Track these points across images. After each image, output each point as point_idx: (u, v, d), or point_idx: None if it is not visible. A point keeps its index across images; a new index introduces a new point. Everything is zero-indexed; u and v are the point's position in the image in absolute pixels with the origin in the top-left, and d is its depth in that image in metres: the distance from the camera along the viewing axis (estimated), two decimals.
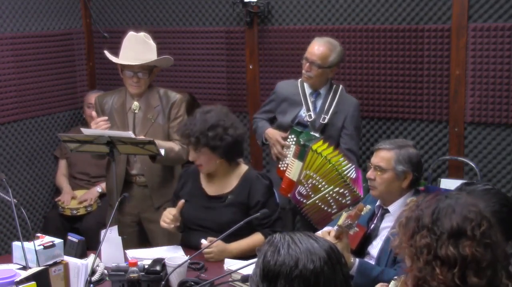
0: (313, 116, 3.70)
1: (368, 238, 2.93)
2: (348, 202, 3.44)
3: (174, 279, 2.60)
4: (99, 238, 2.85)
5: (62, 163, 4.72)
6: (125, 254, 2.92)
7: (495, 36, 3.79)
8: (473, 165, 3.88)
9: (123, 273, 2.57)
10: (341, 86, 3.79)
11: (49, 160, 4.78)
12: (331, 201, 3.48)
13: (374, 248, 2.87)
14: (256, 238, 3.03)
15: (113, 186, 3.45)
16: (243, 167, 3.18)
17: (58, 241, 2.60)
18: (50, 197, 4.79)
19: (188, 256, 2.77)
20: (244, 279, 2.45)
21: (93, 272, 2.66)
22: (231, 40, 4.62)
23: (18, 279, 2.28)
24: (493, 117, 3.88)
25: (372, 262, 2.81)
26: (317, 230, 3.09)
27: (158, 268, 2.62)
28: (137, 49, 3.58)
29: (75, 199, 4.47)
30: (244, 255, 2.94)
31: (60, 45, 4.83)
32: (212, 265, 2.87)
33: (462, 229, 1.73)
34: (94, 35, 5.08)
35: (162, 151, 3.39)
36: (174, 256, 2.80)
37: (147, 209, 3.65)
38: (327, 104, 3.71)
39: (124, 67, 3.60)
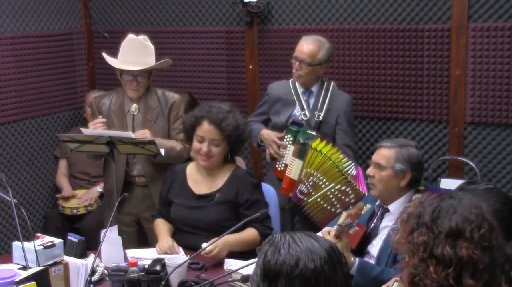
0: (308, 115, 3.71)
1: (368, 238, 2.93)
2: (352, 200, 3.44)
3: (174, 279, 2.60)
4: (99, 238, 2.85)
5: (62, 163, 4.72)
6: (125, 254, 2.92)
7: (495, 36, 3.79)
8: (473, 165, 3.88)
9: (123, 273, 2.57)
10: (332, 83, 3.81)
11: (49, 160, 4.78)
12: (333, 199, 3.48)
13: (374, 248, 2.87)
14: (251, 232, 3.02)
15: (113, 186, 3.45)
16: (231, 166, 3.18)
17: (58, 241, 2.60)
18: (50, 197, 4.79)
19: (188, 256, 2.77)
20: (244, 279, 2.45)
21: (93, 272, 2.66)
22: (231, 40, 4.62)
23: (18, 279, 2.28)
24: (493, 117, 3.88)
25: (372, 261, 2.82)
26: (316, 230, 3.09)
27: (158, 268, 2.61)
28: (136, 53, 3.56)
29: (76, 199, 4.48)
30: (242, 249, 2.93)
31: (60, 45, 4.83)
32: (212, 265, 2.87)
33: (460, 230, 1.72)
34: (94, 35, 5.09)
35: (162, 151, 3.39)
36: (174, 256, 2.80)
37: (146, 209, 3.65)
38: (320, 101, 3.73)
39: (122, 71, 3.59)
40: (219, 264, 2.85)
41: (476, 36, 3.85)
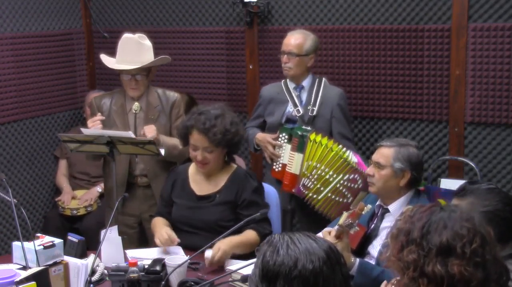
0: (301, 111, 3.74)
1: (368, 238, 2.93)
2: (361, 185, 3.46)
3: (174, 279, 2.60)
4: (99, 238, 2.84)
5: (62, 163, 4.72)
6: (125, 254, 2.92)
7: (495, 36, 3.79)
8: (473, 165, 3.87)
9: (123, 273, 2.57)
10: (324, 79, 3.84)
11: (49, 160, 4.78)
12: (344, 190, 3.49)
13: (374, 248, 2.87)
14: (250, 234, 3.01)
15: (113, 186, 3.45)
16: (232, 166, 3.18)
17: (58, 241, 2.60)
18: (50, 197, 4.79)
19: (188, 256, 2.77)
20: (244, 279, 2.45)
21: (93, 272, 2.66)
22: (231, 40, 4.62)
23: (18, 279, 2.28)
24: (493, 117, 3.88)
25: (372, 262, 2.82)
26: (316, 230, 3.08)
27: (158, 268, 2.62)
28: (132, 51, 3.55)
29: (75, 199, 4.48)
30: (243, 251, 2.92)
31: (60, 45, 4.83)
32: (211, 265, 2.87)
33: (451, 246, 1.67)
34: (94, 35, 5.08)
35: (162, 151, 3.39)
36: (174, 256, 2.80)
37: (148, 210, 3.64)
38: (312, 96, 3.76)
39: (121, 70, 3.59)
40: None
41: (476, 36, 3.85)
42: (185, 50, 4.76)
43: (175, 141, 3.53)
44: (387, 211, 2.92)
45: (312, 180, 3.54)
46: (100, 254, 2.78)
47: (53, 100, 4.78)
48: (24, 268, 2.55)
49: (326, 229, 2.88)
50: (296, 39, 3.74)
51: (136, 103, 3.64)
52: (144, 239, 3.74)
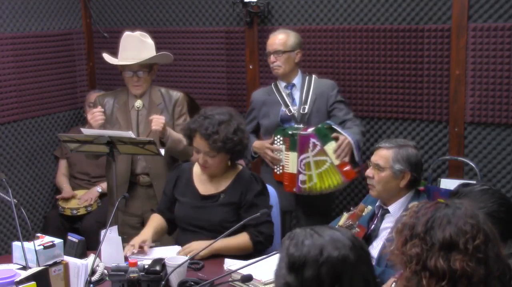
0: (292, 110, 3.77)
1: (368, 239, 2.93)
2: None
3: (174, 279, 2.60)
4: (99, 238, 2.85)
5: (62, 163, 4.72)
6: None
7: (495, 36, 3.79)
8: (473, 165, 3.87)
9: (123, 273, 2.57)
10: (314, 75, 3.89)
11: (49, 160, 4.78)
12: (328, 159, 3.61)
13: (375, 249, 2.87)
14: (242, 238, 3.01)
15: (113, 185, 3.45)
16: (238, 167, 3.17)
17: (58, 241, 2.60)
18: (50, 197, 4.79)
19: (188, 256, 2.77)
20: (244, 279, 2.45)
21: (93, 272, 2.66)
22: (231, 40, 4.62)
23: (18, 279, 2.28)
24: (493, 117, 3.88)
25: (372, 262, 2.81)
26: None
27: (158, 268, 2.62)
28: (134, 48, 3.59)
29: (76, 199, 4.48)
30: (231, 254, 2.92)
31: (60, 45, 4.83)
32: (212, 265, 2.87)
33: (454, 242, 1.68)
34: (94, 35, 5.08)
35: (162, 151, 3.39)
36: (174, 256, 2.80)
37: (150, 210, 3.64)
38: (304, 95, 3.79)
39: (123, 68, 3.61)
40: (219, 264, 2.85)
41: (476, 36, 3.85)
42: (185, 50, 4.76)
43: (180, 136, 3.51)
44: (387, 211, 2.92)
45: (304, 172, 3.58)
46: (100, 254, 2.78)
47: (53, 100, 4.78)
48: (24, 268, 2.55)
49: None
50: (279, 38, 3.81)
51: (139, 100, 3.66)
52: None
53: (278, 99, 3.83)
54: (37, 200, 4.70)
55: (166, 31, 4.80)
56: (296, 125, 3.73)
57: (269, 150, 3.75)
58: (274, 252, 2.53)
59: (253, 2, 4.36)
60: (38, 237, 2.61)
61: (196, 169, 3.19)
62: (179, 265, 2.58)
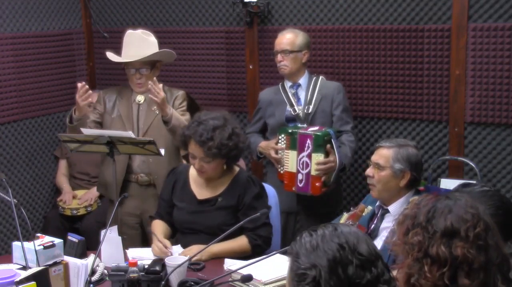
0: (297, 110, 3.78)
1: None
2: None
3: (174, 279, 2.60)
4: (99, 238, 2.85)
5: (62, 163, 4.72)
6: (125, 254, 2.92)
7: (495, 36, 3.79)
8: (473, 165, 3.87)
9: (123, 273, 2.57)
10: (321, 76, 3.89)
11: (49, 160, 4.78)
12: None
13: None
14: (240, 241, 3.01)
15: (108, 179, 3.45)
16: (234, 169, 3.15)
17: (58, 241, 2.60)
18: (50, 197, 4.79)
19: (188, 256, 2.77)
20: (244, 279, 2.45)
21: (93, 272, 2.66)
22: (231, 40, 4.62)
23: (18, 279, 2.28)
24: (493, 117, 3.88)
25: None
26: None
27: (158, 268, 2.62)
28: (136, 46, 3.63)
29: (76, 199, 4.48)
30: (230, 257, 2.91)
31: (60, 45, 4.83)
32: (212, 265, 2.87)
33: (455, 229, 1.72)
34: (94, 35, 5.08)
35: (162, 151, 3.39)
36: (174, 256, 2.80)
37: (149, 210, 3.64)
38: (309, 94, 3.79)
39: (126, 65, 3.63)
40: (219, 264, 2.85)
41: (476, 36, 3.85)
42: (185, 50, 4.76)
43: (185, 122, 3.48)
44: (387, 211, 2.92)
45: (303, 171, 3.60)
46: (100, 254, 2.78)
47: (53, 100, 4.78)
48: (24, 268, 2.55)
49: None
50: (287, 38, 3.80)
51: (141, 95, 3.70)
52: (145, 242, 3.73)
53: (284, 98, 3.83)
54: (37, 200, 4.70)
55: (166, 31, 4.80)
56: (300, 125, 3.73)
57: (272, 151, 3.75)
58: (274, 252, 2.54)
59: (253, 2, 4.36)
60: (38, 237, 2.61)
61: (193, 171, 3.18)
62: (179, 265, 2.58)
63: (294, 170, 3.64)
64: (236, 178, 3.11)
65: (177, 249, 3.01)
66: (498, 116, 3.86)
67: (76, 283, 2.60)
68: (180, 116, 3.52)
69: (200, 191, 3.13)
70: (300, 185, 3.63)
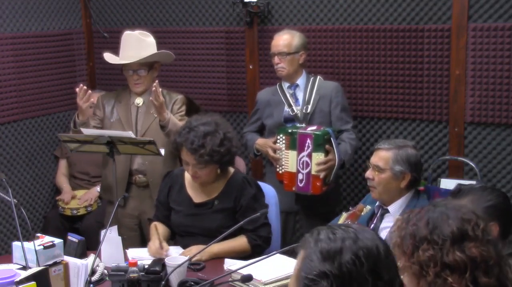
0: (295, 110, 3.78)
1: None
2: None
3: (174, 279, 2.60)
4: (99, 238, 2.85)
5: (62, 163, 4.72)
6: (125, 253, 2.92)
7: (495, 36, 3.79)
8: (473, 165, 3.87)
9: (123, 273, 2.57)
10: (318, 76, 3.89)
11: (49, 160, 4.78)
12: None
13: None
14: (240, 241, 3.02)
15: (110, 181, 3.45)
16: (229, 171, 3.14)
17: (58, 241, 2.60)
18: (50, 197, 4.79)
19: (188, 256, 2.77)
20: (244, 279, 2.45)
21: (93, 272, 2.66)
22: (231, 40, 4.62)
23: (18, 279, 2.28)
24: (493, 117, 3.88)
25: None
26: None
27: (158, 268, 2.62)
28: (133, 47, 3.62)
29: (76, 199, 4.48)
30: (230, 257, 2.91)
31: (60, 45, 4.83)
32: (212, 265, 2.87)
33: (463, 232, 1.69)
34: (94, 35, 5.08)
35: (162, 151, 3.39)
36: (174, 256, 2.80)
37: (147, 211, 3.64)
38: (307, 94, 3.79)
39: (124, 66, 3.63)
40: (219, 264, 2.85)
41: (476, 36, 3.85)
42: (185, 50, 4.76)
43: (180, 125, 3.48)
44: (387, 211, 2.92)
45: (303, 171, 3.60)
46: (100, 254, 2.78)
47: (53, 100, 4.78)
48: (24, 268, 2.55)
49: None
50: (284, 39, 3.79)
51: (140, 98, 3.70)
52: (144, 242, 3.73)
53: (282, 99, 3.83)
54: (37, 200, 4.70)
55: (166, 31, 4.80)
56: (299, 125, 3.73)
57: (270, 150, 3.74)
58: (274, 252, 2.54)
59: (253, 2, 4.36)
60: (38, 237, 2.61)
61: (188, 175, 3.15)
62: (179, 265, 2.58)
63: (294, 170, 3.64)
64: (231, 180, 3.10)
65: (176, 250, 3.01)
66: (498, 116, 3.86)
67: (76, 283, 2.60)
68: (177, 121, 3.50)
69: (196, 195, 3.12)
70: (301, 185, 3.64)
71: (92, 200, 4.43)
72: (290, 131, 3.65)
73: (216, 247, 2.90)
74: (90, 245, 3.14)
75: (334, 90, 3.82)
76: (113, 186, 3.47)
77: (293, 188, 3.67)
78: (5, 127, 4.43)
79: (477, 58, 3.86)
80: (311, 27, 4.32)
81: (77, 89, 3.41)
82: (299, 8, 4.37)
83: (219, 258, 2.91)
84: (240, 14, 4.54)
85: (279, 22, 4.44)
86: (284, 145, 3.69)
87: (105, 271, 2.74)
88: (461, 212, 1.73)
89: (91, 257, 2.72)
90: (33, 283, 2.26)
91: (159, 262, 2.67)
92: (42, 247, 2.53)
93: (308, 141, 3.56)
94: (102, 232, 2.79)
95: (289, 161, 3.65)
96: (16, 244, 2.67)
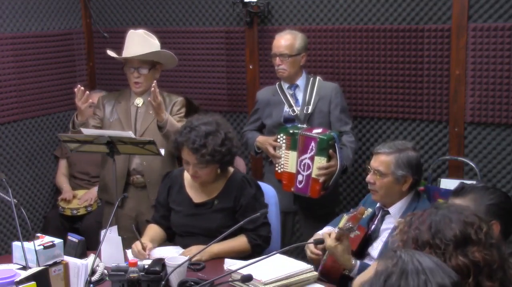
0: (296, 110, 3.78)
1: (368, 240, 2.92)
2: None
3: (174, 279, 2.60)
4: (99, 238, 2.85)
5: (62, 163, 4.72)
6: (125, 253, 2.92)
7: (495, 36, 3.79)
8: (473, 165, 3.87)
9: (123, 273, 2.57)
10: (318, 77, 3.88)
11: (49, 160, 4.78)
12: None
13: (375, 250, 2.87)
14: (240, 241, 3.01)
15: (108, 181, 3.44)
16: (229, 171, 3.14)
17: (58, 241, 2.60)
18: (50, 197, 4.79)
19: (188, 256, 2.77)
20: (244, 279, 2.45)
21: (93, 272, 2.66)
22: (231, 40, 4.62)
23: (18, 279, 2.28)
24: (493, 117, 3.88)
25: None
26: (318, 229, 3.09)
27: (158, 268, 2.61)
28: (137, 44, 3.63)
29: (76, 199, 4.48)
30: (229, 257, 2.91)
31: (60, 45, 4.83)
32: (212, 265, 2.87)
33: (466, 235, 1.68)
34: (94, 35, 5.08)
35: (162, 151, 3.39)
36: (174, 256, 2.80)
37: (145, 212, 3.64)
38: (307, 95, 3.78)
39: (125, 63, 3.64)
40: (219, 264, 2.85)
41: (476, 36, 3.85)
42: (185, 50, 4.76)
43: (178, 126, 3.49)
44: (388, 213, 2.92)
45: (303, 173, 3.60)
46: (100, 254, 2.78)
47: (53, 100, 4.78)
48: (24, 268, 2.55)
49: (326, 231, 2.88)
50: (286, 40, 3.76)
51: (140, 98, 3.70)
52: None
53: (282, 99, 3.83)
54: (37, 200, 4.70)
55: (166, 31, 4.80)
56: (299, 125, 3.72)
57: (270, 147, 3.74)
58: (274, 252, 2.54)
59: (253, 2, 4.36)
60: (38, 237, 2.61)
61: (187, 175, 3.15)
62: (179, 265, 2.58)
63: (293, 171, 3.64)
64: (231, 179, 3.10)
65: (176, 250, 3.01)
66: (498, 116, 3.86)
67: (76, 283, 2.59)
68: (175, 122, 3.50)
69: (196, 195, 3.12)
70: (300, 186, 3.64)
71: (92, 200, 4.43)
72: (291, 131, 3.64)
73: (216, 247, 2.90)
74: (90, 245, 3.14)
75: (333, 91, 3.81)
76: (111, 186, 3.46)
77: (292, 189, 3.67)
78: (5, 127, 4.43)
79: (477, 58, 3.86)
80: (311, 27, 4.32)
81: (75, 90, 3.41)
82: (299, 8, 4.37)
83: (219, 258, 2.91)
84: (240, 14, 4.54)
85: (279, 22, 4.44)
86: (284, 145, 3.69)
87: (105, 271, 2.74)
88: (463, 215, 1.71)
89: (91, 257, 2.72)
90: (33, 283, 2.26)
91: (159, 262, 2.67)
92: (42, 247, 2.52)
93: (313, 144, 3.55)
94: (102, 232, 2.79)
95: (289, 161, 3.66)
96: (16, 244, 2.67)
